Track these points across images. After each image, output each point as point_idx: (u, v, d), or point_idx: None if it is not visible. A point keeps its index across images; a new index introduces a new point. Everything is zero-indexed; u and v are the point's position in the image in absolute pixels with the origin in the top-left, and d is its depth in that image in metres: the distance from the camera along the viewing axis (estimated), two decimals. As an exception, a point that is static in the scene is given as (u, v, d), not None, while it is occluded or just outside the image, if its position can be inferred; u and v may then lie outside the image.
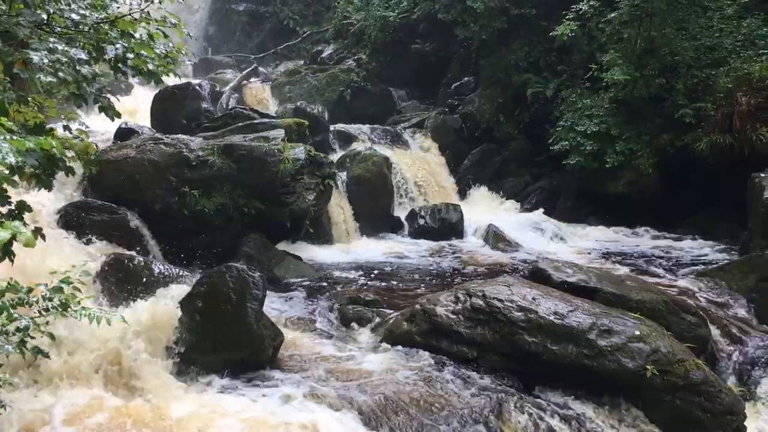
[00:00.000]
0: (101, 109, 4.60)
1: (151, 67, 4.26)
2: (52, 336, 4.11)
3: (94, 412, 4.78)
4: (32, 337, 3.97)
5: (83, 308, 4.04)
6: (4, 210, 3.95)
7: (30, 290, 4.00)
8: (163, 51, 4.39)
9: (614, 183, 12.07)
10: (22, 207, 4.01)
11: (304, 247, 9.82)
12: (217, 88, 15.20)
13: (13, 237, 3.19)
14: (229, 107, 13.88)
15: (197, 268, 7.71)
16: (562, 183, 13.41)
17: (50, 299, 4.00)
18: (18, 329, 3.87)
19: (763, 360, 6.52)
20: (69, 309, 4.01)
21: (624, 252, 10.54)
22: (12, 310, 3.80)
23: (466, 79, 16.69)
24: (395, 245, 10.82)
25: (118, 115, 4.73)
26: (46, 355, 4.18)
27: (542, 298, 5.93)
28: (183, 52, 4.53)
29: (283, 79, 17.55)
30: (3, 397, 4.39)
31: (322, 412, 4.96)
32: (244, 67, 19.88)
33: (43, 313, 4.00)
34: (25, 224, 3.86)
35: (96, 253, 7.27)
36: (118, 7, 4.41)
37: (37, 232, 3.89)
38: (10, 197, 3.91)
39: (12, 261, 3.56)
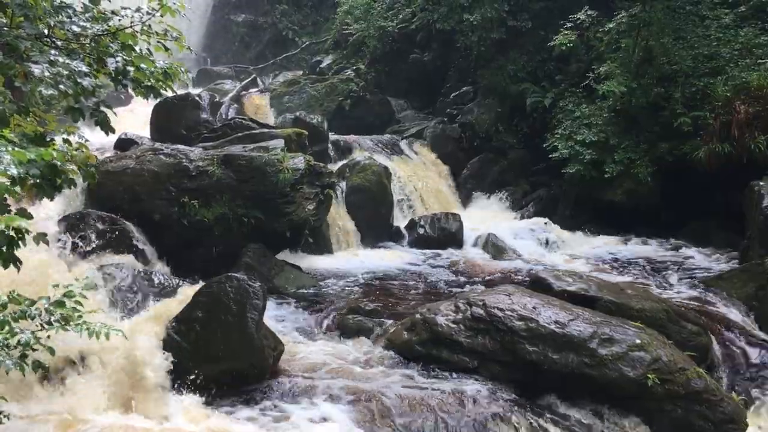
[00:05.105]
0: (97, 123, 4.60)
1: (151, 81, 4.27)
2: (52, 351, 4.10)
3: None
4: (34, 350, 3.97)
5: (84, 322, 4.04)
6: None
7: (33, 303, 3.99)
8: (164, 66, 4.40)
9: (612, 191, 12.08)
10: (22, 215, 4.00)
11: (304, 257, 9.83)
12: (217, 99, 15.22)
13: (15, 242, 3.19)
14: (229, 118, 13.88)
15: (197, 278, 7.70)
16: (560, 192, 13.43)
17: (52, 313, 4.00)
18: (19, 343, 3.87)
19: (763, 368, 6.52)
20: (71, 323, 4.00)
21: (623, 260, 10.54)
22: (14, 324, 3.80)
23: (464, 88, 16.71)
24: (395, 254, 10.81)
25: (113, 131, 4.74)
26: (46, 370, 4.17)
27: (543, 307, 5.94)
28: (182, 69, 4.54)
29: (282, 90, 17.58)
30: (3, 408, 4.38)
31: (322, 422, 4.95)
32: (243, 77, 19.91)
33: (45, 326, 4.00)
34: (27, 231, 3.86)
35: (96, 264, 7.28)
36: (119, 20, 4.42)
37: (41, 236, 3.89)
38: (9, 206, 3.90)
39: (18, 268, 3.56)
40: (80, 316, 4.05)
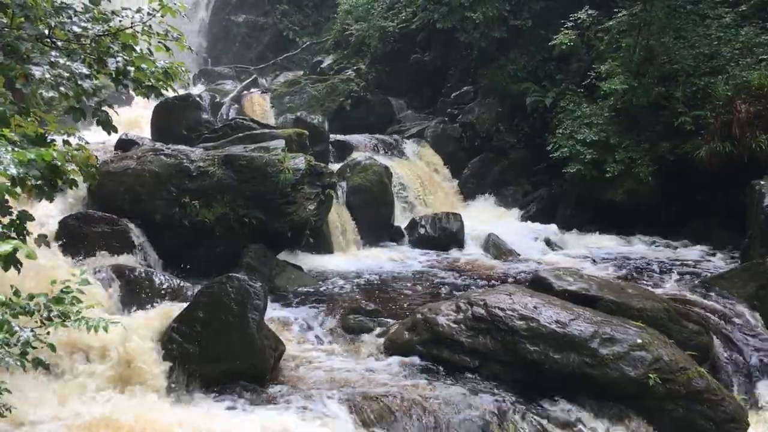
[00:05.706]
0: (99, 123, 4.61)
1: (151, 81, 4.28)
2: (53, 347, 4.10)
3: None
4: (33, 347, 3.97)
5: (82, 317, 4.04)
6: (5, 220, 3.96)
7: (32, 297, 4.00)
8: (164, 65, 4.40)
9: (613, 191, 12.08)
10: (24, 217, 4.01)
11: (305, 257, 9.81)
12: (217, 99, 15.22)
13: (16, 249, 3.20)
14: (229, 118, 13.88)
15: (198, 279, 7.71)
16: (561, 191, 13.42)
17: (50, 309, 4.00)
18: (19, 340, 3.87)
19: (764, 367, 6.52)
20: (69, 319, 4.00)
21: (624, 259, 10.53)
22: (13, 321, 3.80)
23: (465, 88, 16.72)
24: (396, 254, 10.81)
25: (115, 130, 4.75)
26: (47, 367, 4.16)
27: (543, 306, 5.94)
28: (183, 69, 4.54)
29: (283, 90, 17.58)
30: (5, 401, 4.37)
31: (322, 422, 4.95)
32: (243, 77, 19.92)
33: (45, 322, 4.00)
34: (28, 233, 3.86)
35: (97, 264, 7.28)
36: (120, 20, 4.42)
37: (42, 239, 3.89)
38: (11, 207, 3.91)
39: (18, 270, 3.56)
40: (78, 312, 4.05)
